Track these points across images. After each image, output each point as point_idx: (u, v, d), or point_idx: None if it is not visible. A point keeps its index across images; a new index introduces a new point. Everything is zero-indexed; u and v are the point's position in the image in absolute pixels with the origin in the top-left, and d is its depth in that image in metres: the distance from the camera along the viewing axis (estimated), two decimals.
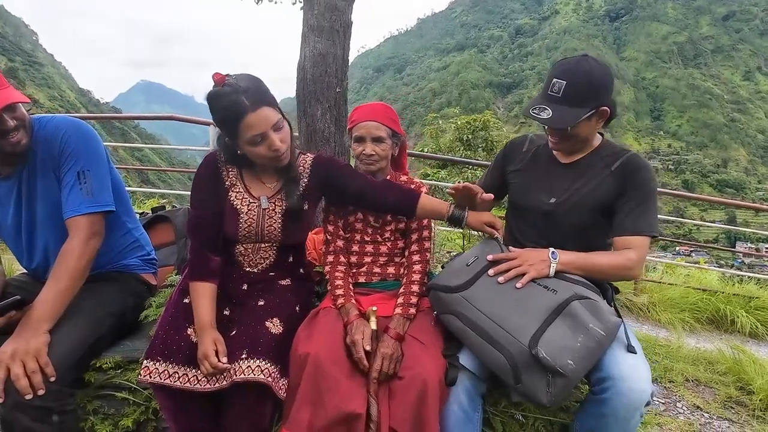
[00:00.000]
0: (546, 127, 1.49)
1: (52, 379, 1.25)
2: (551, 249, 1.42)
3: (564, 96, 1.40)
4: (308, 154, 1.66)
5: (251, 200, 1.54)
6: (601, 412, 1.26)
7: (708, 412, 2.67)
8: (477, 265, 1.44)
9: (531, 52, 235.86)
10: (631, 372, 1.22)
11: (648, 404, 1.23)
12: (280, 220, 1.55)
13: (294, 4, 4.23)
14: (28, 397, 1.20)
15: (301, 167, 1.60)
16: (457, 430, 1.36)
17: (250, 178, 1.57)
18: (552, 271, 1.37)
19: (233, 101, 1.33)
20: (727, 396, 2.84)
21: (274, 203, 1.55)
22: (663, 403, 2.74)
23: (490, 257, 1.43)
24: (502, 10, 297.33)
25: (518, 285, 1.34)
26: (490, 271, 1.39)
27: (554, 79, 1.42)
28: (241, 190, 1.54)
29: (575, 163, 1.58)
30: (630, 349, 1.29)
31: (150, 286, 1.77)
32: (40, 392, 1.22)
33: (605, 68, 1.45)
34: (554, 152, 1.63)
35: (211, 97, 1.37)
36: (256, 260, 1.59)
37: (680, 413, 2.65)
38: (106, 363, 1.49)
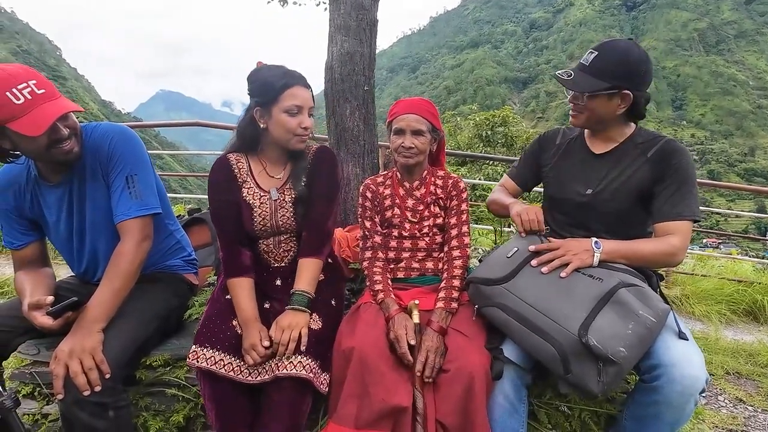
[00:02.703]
0: (569, 97, 1.52)
1: (107, 375, 1.29)
2: (594, 239, 1.40)
3: (591, 66, 1.43)
4: (313, 145, 1.70)
5: (262, 194, 1.59)
6: (654, 401, 1.23)
7: (752, 405, 2.60)
8: (518, 256, 1.43)
9: (546, 46, 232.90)
10: (684, 358, 1.20)
11: (703, 392, 1.20)
12: (291, 209, 1.59)
13: (318, 5, 4.28)
14: (86, 393, 1.24)
15: (307, 155, 1.65)
16: (503, 422, 1.35)
17: (259, 173, 1.62)
18: (596, 261, 1.35)
19: (289, 72, 1.51)
20: None
21: (283, 193, 1.60)
22: (704, 397, 2.67)
23: (532, 248, 1.42)
24: (515, 5, 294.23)
25: (563, 274, 1.33)
26: (533, 262, 1.39)
27: (590, 49, 1.46)
28: (252, 185, 1.59)
29: (609, 152, 1.55)
30: (681, 336, 1.26)
31: (192, 285, 1.82)
32: (97, 388, 1.26)
33: (644, 56, 1.43)
34: (587, 141, 1.62)
35: (261, 68, 1.52)
36: (280, 254, 1.63)
37: (722, 406, 2.59)
38: (156, 361, 1.54)
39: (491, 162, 10.04)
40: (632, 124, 1.56)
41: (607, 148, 1.56)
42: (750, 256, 6.60)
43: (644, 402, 1.27)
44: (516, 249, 1.45)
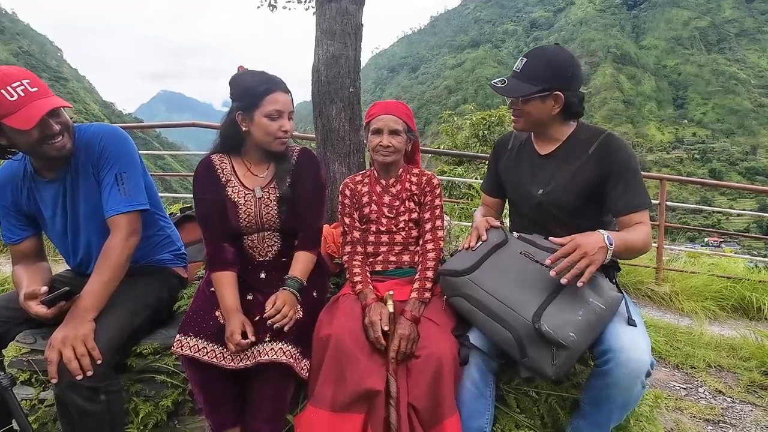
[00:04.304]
0: (508, 103, 1.60)
1: (99, 361, 1.37)
2: (605, 233, 1.33)
3: (522, 72, 1.53)
4: (295, 146, 1.79)
5: (246, 192, 1.67)
6: (605, 383, 1.32)
7: (730, 397, 2.67)
8: (482, 249, 1.52)
9: None
10: (630, 343, 1.28)
11: (648, 375, 1.29)
12: (275, 207, 1.67)
13: (307, 9, 4.37)
14: (79, 377, 1.33)
15: (290, 156, 1.73)
16: (471, 404, 1.44)
17: (242, 172, 1.70)
18: (608, 258, 1.32)
19: (269, 78, 1.59)
20: (750, 380, 2.83)
21: (268, 192, 1.68)
22: (684, 389, 2.75)
23: (548, 261, 1.32)
24: (516, 4, 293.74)
25: (580, 283, 1.27)
26: (552, 273, 1.31)
27: (520, 58, 1.55)
28: (236, 183, 1.67)
29: (553, 153, 1.63)
30: (630, 323, 1.34)
31: (181, 279, 1.90)
32: (89, 373, 1.34)
33: (570, 58, 1.53)
34: (534, 144, 1.69)
35: (243, 73, 1.60)
36: (264, 249, 1.72)
37: (702, 398, 2.66)
38: (146, 349, 1.62)
39: (487, 162, 10.10)
40: (572, 122, 1.63)
41: (551, 148, 1.63)
42: (752, 255, 6.63)
43: (598, 385, 1.36)
44: (480, 243, 1.53)
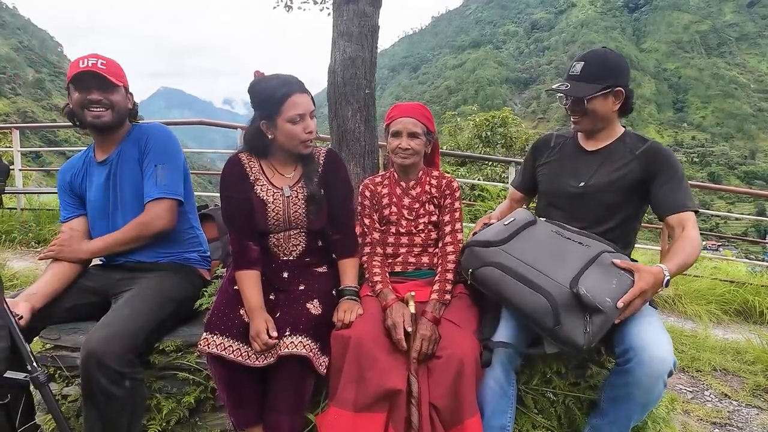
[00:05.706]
0: (567, 106, 1.65)
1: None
2: (666, 271, 1.36)
3: (582, 74, 1.59)
4: (319, 147, 1.81)
5: (275, 190, 1.68)
6: (626, 382, 1.34)
7: (737, 400, 2.70)
8: (514, 225, 1.57)
9: (548, 47, 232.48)
10: (653, 343, 1.31)
11: (671, 374, 1.31)
12: (303, 206, 1.69)
13: (321, 11, 4.38)
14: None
15: (316, 157, 1.76)
16: (494, 403, 1.46)
17: (270, 171, 1.72)
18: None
19: (285, 81, 1.59)
20: (755, 384, 2.86)
21: (296, 191, 1.70)
22: (690, 392, 2.77)
23: (620, 304, 1.31)
24: (517, 5, 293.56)
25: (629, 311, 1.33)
26: (622, 316, 1.33)
27: (574, 62, 1.62)
28: (265, 182, 1.69)
29: (600, 150, 1.69)
30: (651, 322, 1.39)
31: (204, 280, 1.93)
32: (54, 249, 1.62)
33: (621, 58, 1.63)
34: (580, 141, 1.74)
35: (260, 80, 1.61)
36: (289, 248, 1.73)
37: (708, 401, 2.69)
38: (168, 346, 1.64)
39: (490, 162, 10.14)
40: (622, 127, 1.71)
41: (599, 145, 1.70)
42: (750, 259, 6.67)
43: (618, 384, 1.38)
44: (513, 219, 1.58)
